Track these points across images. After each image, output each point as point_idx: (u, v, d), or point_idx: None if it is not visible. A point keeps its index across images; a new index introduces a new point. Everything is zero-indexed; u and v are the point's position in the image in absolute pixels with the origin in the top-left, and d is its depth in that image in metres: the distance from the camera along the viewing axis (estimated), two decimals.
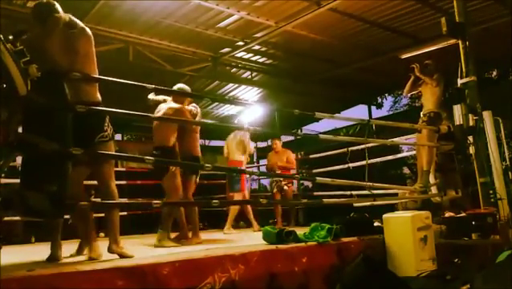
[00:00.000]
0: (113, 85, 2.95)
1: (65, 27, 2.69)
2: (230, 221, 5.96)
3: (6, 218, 4.26)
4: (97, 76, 2.80)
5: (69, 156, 2.42)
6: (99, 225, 5.93)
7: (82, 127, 2.61)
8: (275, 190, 6.75)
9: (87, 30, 2.79)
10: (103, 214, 3.26)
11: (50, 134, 2.33)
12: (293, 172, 7.30)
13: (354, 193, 6.43)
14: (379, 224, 3.74)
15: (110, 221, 2.76)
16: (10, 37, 2.04)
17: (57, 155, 2.36)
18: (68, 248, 3.45)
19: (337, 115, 9.06)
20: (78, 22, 2.75)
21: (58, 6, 2.74)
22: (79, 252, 3.02)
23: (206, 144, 11.61)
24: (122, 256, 2.62)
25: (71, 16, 2.74)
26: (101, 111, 2.78)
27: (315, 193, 8.33)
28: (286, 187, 6.73)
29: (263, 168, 11.50)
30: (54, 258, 2.67)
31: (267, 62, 7.82)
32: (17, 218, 5.14)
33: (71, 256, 2.89)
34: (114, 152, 2.97)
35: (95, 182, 3.01)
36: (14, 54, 2.02)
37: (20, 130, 2.39)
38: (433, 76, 5.04)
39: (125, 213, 6.14)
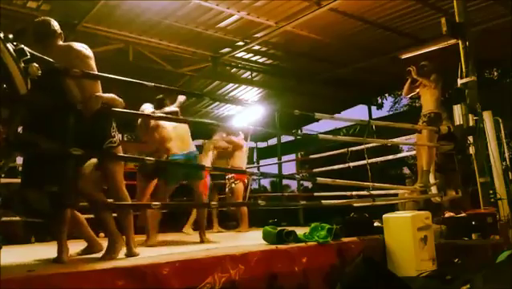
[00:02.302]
0: (115, 86, 2.93)
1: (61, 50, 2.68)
2: (191, 221, 5.82)
3: (6, 218, 4.25)
4: (97, 73, 2.76)
5: (71, 157, 2.40)
6: (99, 226, 5.92)
7: (89, 133, 2.59)
8: (227, 190, 6.16)
9: (82, 49, 2.73)
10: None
11: (51, 133, 2.32)
12: (239, 163, 6.21)
13: (354, 193, 6.41)
14: (379, 224, 3.74)
15: (125, 224, 2.81)
16: (11, 36, 2.04)
17: (58, 155, 2.36)
18: (71, 248, 3.44)
19: (337, 115, 9.06)
20: (73, 44, 2.72)
21: (55, 25, 2.74)
22: (85, 251, 3.00)
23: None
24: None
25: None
26: (107, 116, 2.74)
27: (315, 194, 8.32)
28: (233, 185, 6.02)
29: (263, 169, 11.51)
30: (59, 261, 2.60)
31: (267, 62, 7.82)
32: (17, 218, 5.15)
33: (78, 254, 2.88)
34: (123, 154, 2.96)
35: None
36: (15, 52, 2.01)
37: (21, 130, 2.39)
38: (431, 77, 5.03)
39: None
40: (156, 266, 2.20)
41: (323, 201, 3.83)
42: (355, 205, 5.41)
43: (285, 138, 11.56)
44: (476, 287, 2.59)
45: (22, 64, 2.04)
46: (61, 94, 2.48)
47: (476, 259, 3.40)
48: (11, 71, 1.99)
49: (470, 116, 4.27)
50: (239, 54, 7.29)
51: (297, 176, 8.57)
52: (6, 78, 1.99)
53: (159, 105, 4.42)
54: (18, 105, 2.16)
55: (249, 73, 8.26)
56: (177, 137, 4.27)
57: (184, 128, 4.36)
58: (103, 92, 2.77)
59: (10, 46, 2.00)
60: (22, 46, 2.07)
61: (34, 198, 2.23)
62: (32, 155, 2.37)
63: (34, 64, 2.08)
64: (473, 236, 3.87)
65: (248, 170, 7.29)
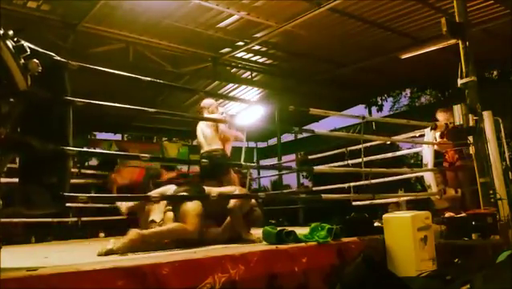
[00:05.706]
0: (116, 86, 2.93)
1: None
2: None
3: (6, 219, 4.24)
4: (93, 67, 2.72)
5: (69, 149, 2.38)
6: (99, 226, 5.92)
7: None
8: None
9: None
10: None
11: (50, 130, 2.30)
12: None
13: (352, 184, 6.34)
14: (379, 224, 3.73)
15: None
16: (10, 32, 2.03)
17: (56, 155, 2.34)
18: (71, 248, 3.45)
19: (332, 112, 9.03)
20: None
21: None
22: None
23: None
24: None
25: None
26: None
27: (314, 188, 8.31)
28: None
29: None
30: None
31: (267, 62, 7.83)
32: (17, 219, 5.15)
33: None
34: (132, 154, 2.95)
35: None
36: (14, 49, 2.01)
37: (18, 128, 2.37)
38: None
39: None
40: (156, 266, 2.20)
41: (322, 195, 3.81)
42: (354, 204, 5.42)
43: (285, 138, 11.58)
44: (476, 287, 2.59)
45: (22, 60, 2.03)
46: (60, 86, 2.46)
47: (476, 259, 3.40)
48: (10, 68, 1.98)
49: (470, 115, 4.26)
50: (239, 55, 7.30)
51: (293, 167, 8.52)
52: (5, 74, 1.98)
53: None
54: (18, 100, 2.14)
55: (249, 73, 8.27)
56: None
57: None
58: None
59: (9, 42, 1.99)
60: (22, 42, 2.06)
61: (35, 192, 2.21)
62: (27, 155, 2.35)
63: (34, 60, 2.07)
64: (473, 236, 3.87)
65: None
